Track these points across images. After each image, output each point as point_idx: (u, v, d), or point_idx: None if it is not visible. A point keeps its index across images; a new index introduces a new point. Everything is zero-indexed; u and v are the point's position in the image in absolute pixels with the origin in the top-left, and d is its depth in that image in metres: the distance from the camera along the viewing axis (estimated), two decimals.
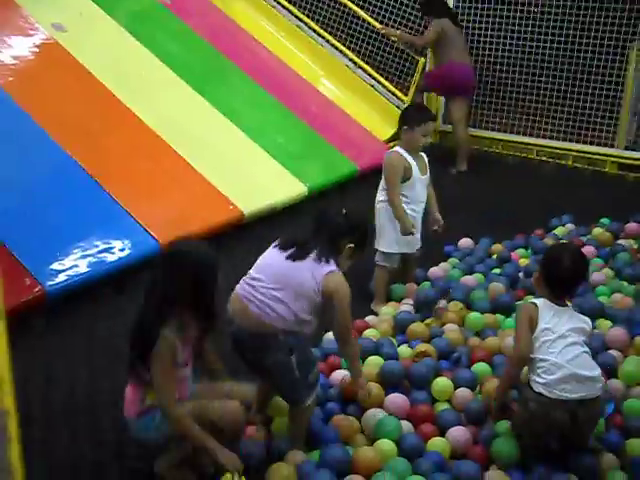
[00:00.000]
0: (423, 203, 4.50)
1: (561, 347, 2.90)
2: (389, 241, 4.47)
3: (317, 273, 2.87)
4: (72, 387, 3.45)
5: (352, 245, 2.99)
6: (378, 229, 4.49)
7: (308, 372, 2.95)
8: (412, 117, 4.43)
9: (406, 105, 4.75)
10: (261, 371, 3.02)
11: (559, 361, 2.86)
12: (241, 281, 3.01)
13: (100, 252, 4.28)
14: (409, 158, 4.38)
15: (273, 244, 3.05)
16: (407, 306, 4.34)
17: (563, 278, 3.01)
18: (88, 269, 4.15)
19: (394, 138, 7.18)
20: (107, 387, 3.44)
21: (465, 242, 5.25)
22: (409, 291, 4.55)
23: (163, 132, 5.41)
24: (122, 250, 4.36)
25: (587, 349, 2.94)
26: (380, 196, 4.47)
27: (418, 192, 4.44)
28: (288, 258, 2.92)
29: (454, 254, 5.11)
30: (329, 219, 3.02)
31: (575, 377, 2.85)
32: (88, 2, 6.23)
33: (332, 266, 2.91)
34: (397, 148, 4.43)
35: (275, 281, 2.89)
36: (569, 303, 3.12)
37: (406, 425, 3.22)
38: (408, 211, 4.39)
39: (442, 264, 4.91)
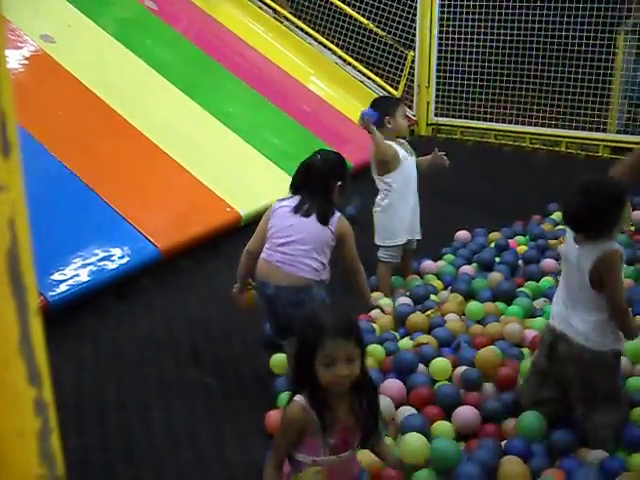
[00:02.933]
0: (415, 186, 4.59)
1: None
2: (392, 233, 4.54)
3: (327, 231, 3.39)
4: (79, 394, 3.46)
5: (339, 183, 3.50)
6: (380, 228, 4.58)
7: None
8: (388, 106, 4.55)
9: (377, 98, 4.87)
10: (290, 325, 3.24)
11: None
12: (265, 250, 3.43)
13: (100, 260, 4.29)
14: (395, 145, 4.49)
15: (278, 207, 3.49)
16: (404, 298, 4.37)
17: None
18: (89, 278, 4.15)
19: None
20: (113, 393, 3.47)
21: (462, 235, 5.26)
22: (409, 284, 4.60)
23: (156, 138, 5.42)
24: (122, 257, 4.37)
25: None
26: (380, 194, 4.56)
27: (409, 174, 4.54)
28: (303, 215, 3.40)
29: (449, 250, 5.12)
30: (315, 171, 3.49)
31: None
32: (76, 13, 6.23)
33: (336, 212, 3.45)
34: (381, 138, 4.44)
35: (301, 238, 3.35)
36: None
37: (407, 409, 3.28)
38: (404, 204, 4.50)
39: (439, 262, 4.93)
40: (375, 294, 4.41)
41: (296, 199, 3.49)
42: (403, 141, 4.66)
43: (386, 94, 7.39)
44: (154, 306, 4.29)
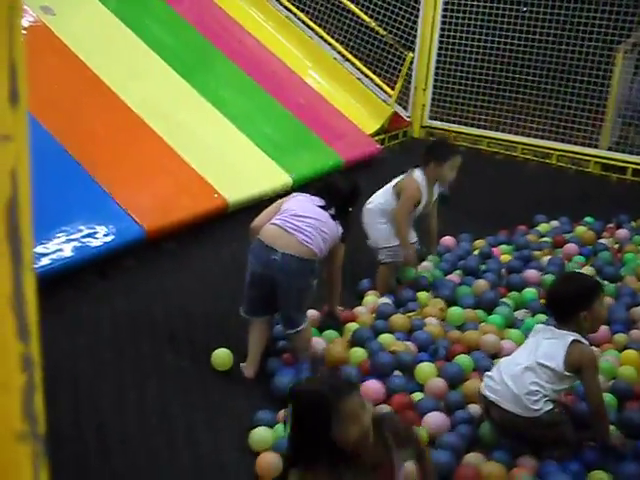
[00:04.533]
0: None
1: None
2: (388, 236, 4.60)
3: (337, 229, 3.73)
4: (53, 367, 3.44)
5: (350, 209, 3.91)
6: (380, 229, 4.61)
7: (311, 297, 3.74)
8: (440, 152, 4.62)
9: (432, 140, 4.96)
10: (284, 296, 3.60)
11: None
12: (280, 218, 3.62)
13: (85, 237, 4.26)
14: (424, 191, 4.57)
15: (296, 195, 3.84)
16: (385, 298, 4.40)
17: None
18: (72, 254, 4.12)
19: (380, 132, 7.23)
20: (86, 369, 3.45)
21: (447, 240, 5.26)
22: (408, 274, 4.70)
23: (150, 118, 5.39)
24: (107, 235, 4.34)
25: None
26: (382, 200, 4.63)
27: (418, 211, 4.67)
28: (320, 207, 3.70)
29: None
30: (340, 189, 3.83)
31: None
32: None
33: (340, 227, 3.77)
34: (419, 175, 4.57)
35: (319, 220, 3.63)
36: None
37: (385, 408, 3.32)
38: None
39: (424, 263, 4.94)
40: (371, 293, 4.51)
41: (315, 197, 3.79)
42: (436, 189, 4.73)
43: (383, 94, 7.39)
44: (135, 286, 4.27)
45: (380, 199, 4.63)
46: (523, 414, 2.99)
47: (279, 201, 3.85)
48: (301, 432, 2.28)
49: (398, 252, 4.57)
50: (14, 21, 0.48)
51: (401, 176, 4.67)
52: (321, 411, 2.21)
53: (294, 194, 3.87)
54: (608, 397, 3.38)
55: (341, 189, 3.86)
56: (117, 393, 3.39)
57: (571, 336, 3.03)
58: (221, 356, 3.74)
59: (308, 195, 3.83)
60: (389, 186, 4.67)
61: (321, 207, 3.74)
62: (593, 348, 3.62)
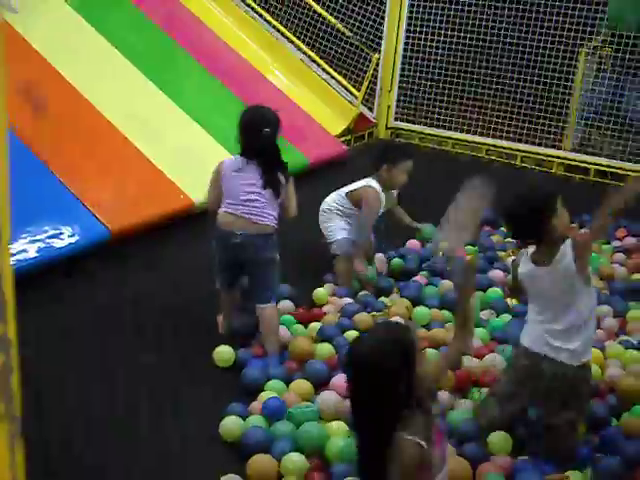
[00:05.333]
0: None
1: None
2: (337, 229, 4.73)
3: (279, 180, 3.85)
4: (20, 370, 3.40)
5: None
6: (329, 228, 4.76)
7: (277, 273, 3.94)
8: (392, 155, 4.71)
9: (385, 144, 4.96)
10: (248, 273, 3.89)
11: None
12: (228, 205, 3.79)
13: (49, 238, 4.23)
14: (382, 196, 4.66)
15: (228, 170, 3.85)
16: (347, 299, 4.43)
17: None
18: (37, 254, 4.09)
19: (345, 133, 7.24)
20: (53, 369, 3.43)
21: (412, 243, 5.26)
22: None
23: (114, 118, 5.35)
24: (72, 236, 4.31)
25: None
26: (338, 204, 4.75)
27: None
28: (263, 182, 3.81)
29: (394, 254, 5.10)
30: (268, 144, 3.84)
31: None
32: None
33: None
34: (375, 185, 4.64)
35: (261, 194, 3.78)
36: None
37: None
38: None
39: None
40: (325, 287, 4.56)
41: (243, 160, 3.87)
42: (393, 193, 4.85)
43: (349, 95, 7.41)
44: (101, 286, 4.25)
45: (335, 203, 4.75)
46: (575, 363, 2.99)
47: (215, 177, 3.92)
48: (381, 392, 2.15)
49: (346, 244, 4.69)
50: None
51: (354, 185, 4.73)
52: (402, 355, 2.12)
53: (225, 168, 3.89)
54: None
55: (270, 139, 3.86)
56: (83, 390, 3.37)
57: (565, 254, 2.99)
58: (224, 352, 3.81)
59: (235, 162, 3.90)
60: (342, 192, 4.76)
61: (257, 173, 3.81)
62: None
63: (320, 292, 4.47)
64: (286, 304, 4.29)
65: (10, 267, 0.62)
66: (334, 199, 4.77)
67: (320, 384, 3.54)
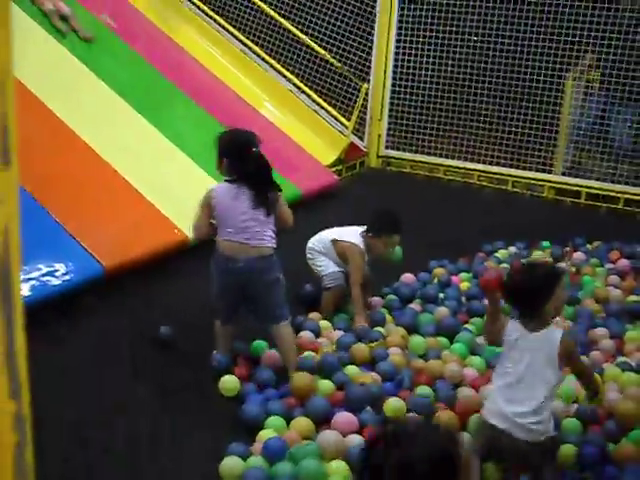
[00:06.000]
0: None
1: None
2: (328, 264, 4.67)
3: (272, 197, 3.89)
4: None
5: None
6: (318, 262, 4.71)
7: (284, 291, 3.97)
8: (378, 226, 4.60)
9: (380, 211, 4.82)
10: (256, 296, 3.88)
11: None
12: (227, 232, 3.80)
13: (43, 276, 4.22)
14: (364, 254, 4.62)
15: (219, 196, 3.84)
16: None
17: None
18: (31, 293, 4.08)
19: (336, 163, 7.27)
20: (51, 410, 3.40)
21: (407, 278, 5.22)
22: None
23: (107, 155, 5.36)
24: (66, 274, 4.31)
25: None
26: (323, 248, 4.70)
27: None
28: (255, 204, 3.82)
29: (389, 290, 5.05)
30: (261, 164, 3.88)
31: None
32: (31, 22, 6.18)
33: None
34: (360, 243, 4.60)
35: (257, 218, 3.80)
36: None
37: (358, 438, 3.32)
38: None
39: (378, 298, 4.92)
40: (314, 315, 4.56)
41: (235, 187, 3.85)
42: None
43: (339, 125, 7.45)
44: (96, 324, 4.24)
45: (321, 246, 4.70)
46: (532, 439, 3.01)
47: (206, 205, 3.92)
48: None
49: (337, 277, 4.63)
50: (6, 86, 0.48)
51: (342, 232, 4.70)
52: (447, 466, 1.92)
53: (217, 196, 3.88)
54: (572, 422, 3.42)
55: (262, 160, 3.91)
56: (81, 427, 3.35)
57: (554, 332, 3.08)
58: (229, 381, 3.81)
59: (227, 189, 3.87)
60: (329, 237, 4.69)
61: (249, 196, 3.82)
62: None
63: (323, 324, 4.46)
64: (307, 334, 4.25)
65: (25, 349, 0.62)
66: (321, 241, 4.71)
67: (321, 421, 3.50)
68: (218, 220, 3.88)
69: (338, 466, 3.15)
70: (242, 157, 3.86)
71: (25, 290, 4.08)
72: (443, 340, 4.27)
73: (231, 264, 3.81)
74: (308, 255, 4.76)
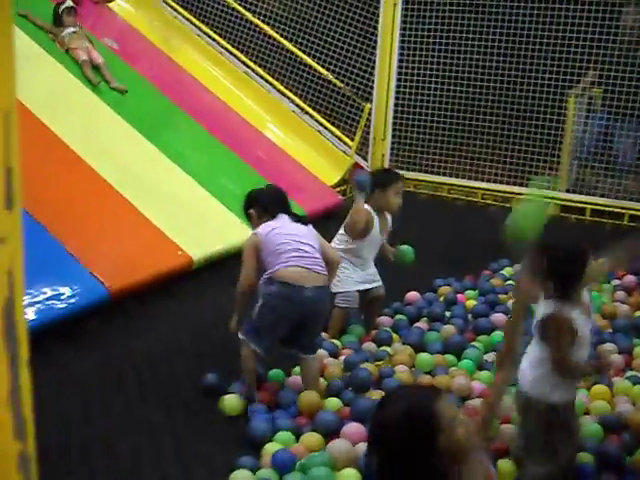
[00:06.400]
0: (372, 260, 4.69)
1: None
2: (346, 280, 4.55)
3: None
4: None
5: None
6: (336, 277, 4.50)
7: None
8: (382, 179, 4.63)
9: (375, 171, 4.85)
10: (309, 326, 3.79)
11: None
12: (288, 260, 3.67)
13: (48, 299, 4.22)
14: (374, 215, 4.55)
15: (269, 232, 3.76)
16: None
17: None
18: (36, 317, 4.08)
19: (341, 183, 7.28)
20: (56, 434, 3.39)
21: (412, 296, 5.19)
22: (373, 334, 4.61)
23: (111, 177, 5.38)
24: (70, 297, 4.30)
25: None
26: (339, 243, 4.58)
27: (369, 252, 4.63)
28: (303, 224, 3.89)
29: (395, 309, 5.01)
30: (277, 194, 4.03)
31: None
32: (34, 46, 6.22)
33: None
34: (367, 207, 4.56)
35: (314, 244, 3.81)
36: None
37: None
38: (358, 265, 4.61)
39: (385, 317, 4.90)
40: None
41: (281, 218, 3.87)
42: (388, 216, 4.70)
43: (342, 145, 7.47)
44: (101, 347, 4.23)
45: (335, 244, 4.57)
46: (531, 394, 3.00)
47: (252, 247, 3.81)
48: (400, 461, 2.01)
49: (352, 298, 4.59)
50: (10, 126, 0.48)
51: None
52: (423, 421, 1.97)
53: (261, 234, 3.81)
54: (594, 427, 3.44)
55: (275, 193, 4.05)
56: (87, 451, 3.33)
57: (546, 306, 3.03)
58: (231, 400, 3.77)
59: (276, 222, 3.86)
60: (340, 231, 4.67)
61: (295, 220, 3.91)
62: None
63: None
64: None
65: (30, 387, 0.62)
66: (334, 240, 4.63)
67: (330, 435, 3.47)
68: (271, 256, 3.75)
69: (349, 474, 3.14)
70: (282, 203, 4.00)
71: (29, 314, 4.07)
72: (450, 357, 4.26)
73: (298, 293, 3.67)
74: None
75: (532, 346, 3.06)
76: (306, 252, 3.74)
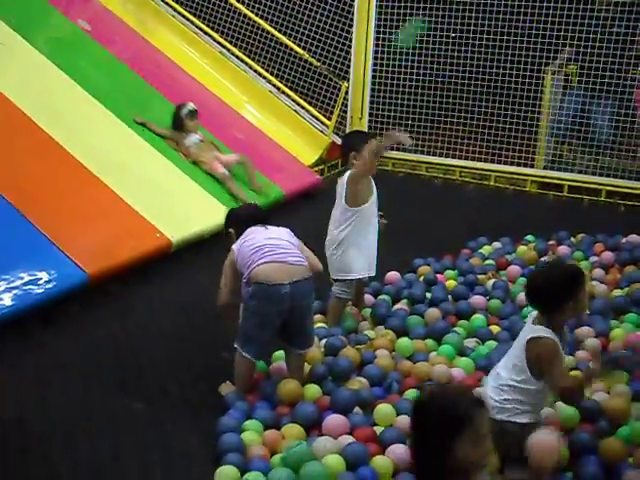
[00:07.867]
0: (375, 226, 4.50)
1: None
2: (348, 267, 4.42)
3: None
4: (2, 420, 3.35)
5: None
6: (335, 261, 4.45)
7: None
8: (354, 141, 4.47)
9: (345, 135, 4.70)
10: (300, 319, 3.68)
11: None
12: (263, 258, 3.57)
13: (26, 284, 4.17)
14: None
15: (242, 244, 3.69)
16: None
17: None
18: (13, 302, 4.04)
19: (319, 163, 7.26)
20: (36, 420, 3.37)
21: (391, 276, 5.15)
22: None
23: (87, 161, 5.32)
24: (49, 282, 4.26)
25: None
26: (339, 226, 4.41)
27: (372, 212, 4.46)
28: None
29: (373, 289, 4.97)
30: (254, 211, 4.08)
31: None
32: (9, 31, 6.13)
33: None
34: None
35: (291, 240, 3.75)
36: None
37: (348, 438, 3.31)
38: (362, 240, 4.42)
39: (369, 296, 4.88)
40: (318, 317, 4.47)
41: (255, 229, 3.80)
42: (372, 182, 4.50)
43: (320, 124, 7.44)
44: (81, 332, 4.20)
45: (338, 225, 4.43)
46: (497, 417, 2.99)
47: (229, 261, 3.75)
48: (420, 447, 2.14)
49: (350, 289, 4.51)
50: None
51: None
52: (451, 422, 2.06)
53: (236, 246, 3.75)
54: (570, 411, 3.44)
55: (253, 211, 4.08)
56: (67, 440, 3.30)
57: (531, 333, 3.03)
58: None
59: (241, 238, 3.79)
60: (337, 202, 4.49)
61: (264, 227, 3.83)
62: None
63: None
64: None
65: None
66: (334, 221, 4.45)
67: (311, 426, 3.45)
68: (245, 260, 3.65)
69: (333, 459, 3.12)
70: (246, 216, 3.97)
71: (7, 300, 4.03)
72: (431, 342, 4.23)
73: (277, 291, 3.54)
74: (329, 244, 4.49)
75: (505, 370, 3.08)
76: (278, 245, 3.65)
